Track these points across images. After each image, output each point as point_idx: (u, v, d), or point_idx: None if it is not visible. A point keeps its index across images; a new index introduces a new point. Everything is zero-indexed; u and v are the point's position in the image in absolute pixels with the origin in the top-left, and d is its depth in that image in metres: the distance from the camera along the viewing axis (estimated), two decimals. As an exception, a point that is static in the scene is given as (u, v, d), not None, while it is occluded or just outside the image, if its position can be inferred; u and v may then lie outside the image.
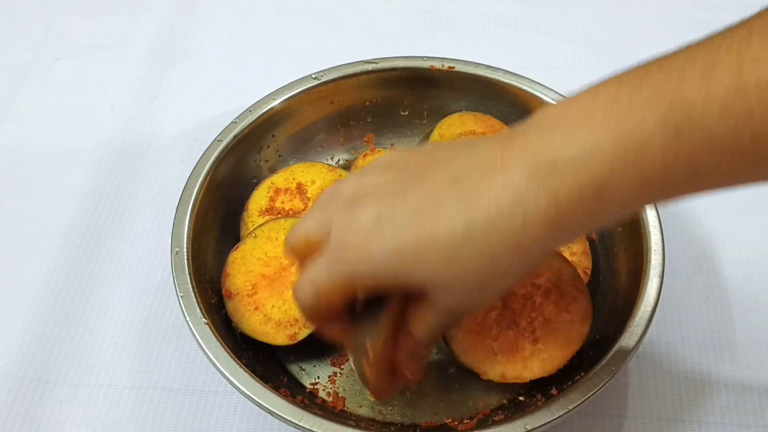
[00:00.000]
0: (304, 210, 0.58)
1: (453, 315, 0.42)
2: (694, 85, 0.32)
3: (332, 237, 0.40)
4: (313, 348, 0.55)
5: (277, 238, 0.55)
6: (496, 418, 0.49)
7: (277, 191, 0.59)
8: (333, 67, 0.62)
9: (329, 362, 0.55)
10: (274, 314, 0.53)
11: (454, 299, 0.39)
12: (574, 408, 0.45)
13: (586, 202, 0.34)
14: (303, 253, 0.42)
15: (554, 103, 0.54)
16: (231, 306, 0.53)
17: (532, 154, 0.35)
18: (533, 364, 0.50)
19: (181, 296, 0.50)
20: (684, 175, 0.33)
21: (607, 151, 0.33)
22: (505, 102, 0.61)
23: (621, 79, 0.35)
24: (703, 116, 0.31)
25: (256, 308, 0.53)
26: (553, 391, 0.49)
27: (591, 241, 0.57)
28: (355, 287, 0.40)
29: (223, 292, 0.54)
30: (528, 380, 0.50)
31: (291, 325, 0.53)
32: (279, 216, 0.58)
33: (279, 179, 0.60)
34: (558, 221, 0.35)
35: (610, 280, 0.56)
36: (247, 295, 0.54)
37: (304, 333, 0.53)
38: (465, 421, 0.51)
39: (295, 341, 0.53)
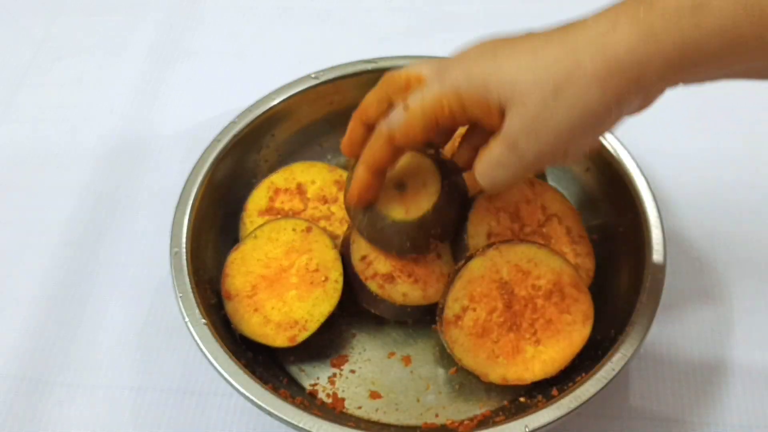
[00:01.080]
0: (303, 210, 0.58)
1: (518, 144, 0.41)
2: None
3: (438, 70, 0.44)
4: (313, 349, 0.55)
5: (277, 239, 0.55)
6: (497, 419, 0.49)
7: (277, 191, 0.59)
8: (332, 67, 0.62)
9: (329, 363, 0.55)
10: (274, 316, 0.53)
11: (528, 110, 0.40)
12: (575, 409, 0.45)
13: (681, 11, 0.36)
14: (394, 90, 0.46)
15: None
16: (230, 307, 0.53)
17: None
18: (534, 365, 0.50)
19: (180, 297, 0.50)
20: None
21: None
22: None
23: None
24: None
25: (256, 309, 0.53)
26: (554, 392, 0.49)
27: (593, 243, 0.56)
28: (443, 110, 0.43)
29: (222, 293, 0.54)
30: (529, 382, 0.50)
31: (291, 327, 0.53)
32: (279, 216, 0.58)
33: (278, 179, 0.59)
34: (651, 25, 0.37)
35: (611, 280, 0.55)
36: (247, 296, 0.53)
37: (303, 335, 0.53)
38: (465, 422, 0.51)
39: (295, 343, 0.52)
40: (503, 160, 0.42)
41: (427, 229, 0.51)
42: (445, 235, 0.53)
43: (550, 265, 0.51)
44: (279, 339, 0.52)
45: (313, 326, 0.53)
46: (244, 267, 0.54)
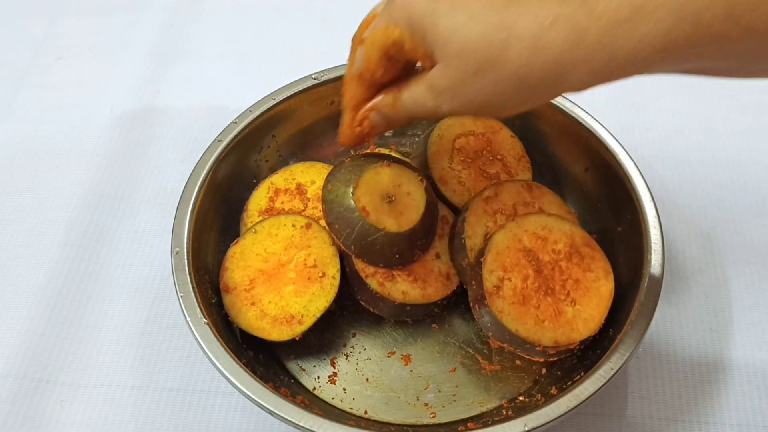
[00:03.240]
0: (303, 210, 0.58)
1: (438, 98, 0.42)
2: None
3: (387, 2, 0.44)
4: (314, 348, 0.56)
5: (276, 234, 0.55)
6: (497, 418, 0.50)
7: (277, 191, 0.59)
8: (333, 67, 0.62)
9: (329, 362, 0.55)
10: (271, 310, 0.53)
11: (450, 75, 0.40)
12: (574, 408, 0.45)
13: (618, 16, 0.35)
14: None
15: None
16: (228, 300, 0.53)
17: None
18: (578, 324, 0.51)
19: (182, 296, 0.50)
20: (721, 10, 0.34)
21: None
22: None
23: None
24: None
25: (253, 303, 0.53)
26: (553, 391, 0.49)
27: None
28: (389, 42, 0.44)
29: (220, 286, 0.54)
30: (578, 342, 0.50)
31: (287, 321, 0.53)
32: (279, 213, 0.58)
33: (279, 179, 0.60)
34: (585, 31, 0.36)
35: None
36: (245, 289, 0.54)
37: (299, 329, 0.53)
38: (465, 420, 0.51)
39: (290, 337, 0.53)
40: (423, 103, 0.44)
41: (415, 240, 0.53)
42: (427, 246, 0.54)
43: (562, 230, 0.53)
44: (275, 333, 0.53)
45: (309, 321, 0.53)
46: (243, 261, 0.55)
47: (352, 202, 0.51)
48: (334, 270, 0.54)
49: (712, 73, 0.39)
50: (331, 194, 0.52)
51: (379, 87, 0.48)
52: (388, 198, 0.52)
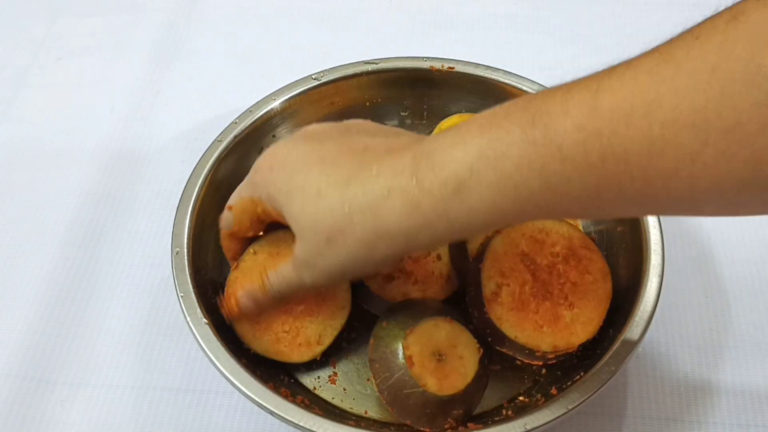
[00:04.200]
0: (304, 210, 0.58)
1: (299, 269, 0.46)
2: (556, 103, 0.36)
3: (252, 171, 0.48)
4: (314, 348, 0.55)
5: (278, 253, 0.52)
6: (497, 418, 0.50)
7: (278, 191, 0.59)
8: (333, 68, 0.62)
9: (329, 362, 0.55)
10: (286, 332, 0.52)
11: (305, 248, 0.44)
12: (573, 408, 0.46)
13: (445, 191, 0.38)
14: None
15: None
16: (240, 329, 0.52)
17: (420, 149, 0.40)
18: (577, 329, 0.50)
19: (182, 296, 0.50)
20: (537, 184, 0.36)
21: (473, 153, 0.38)
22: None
23: (511, 102, 0.39)
24: (557, 128, 0.35)
25: (267, 328, 0.52)
26: (553, 391, 0.49)
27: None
28: (257, 211, 0.48)
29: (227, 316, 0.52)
30: (577, 346, 0.50)
31: (306, 344, 0.52)
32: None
33: (279, 179, 0.59)
34: (418, 203, 0.39)
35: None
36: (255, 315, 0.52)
37: (319, 349, 0.52)
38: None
39: (311, 358, 0.52)
40: (288, 279, 0.47)
41: (451, 408, 0.48)
42: (465, 417, 0.49)
43: (559, 232, 0.52)
44: (295, 355, 0.52)
45: (327, 340, 0.52)
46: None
47: (400, 346, 0.48)
48: (345, 283, 0.53)
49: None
50: (383, 331, 0.50)
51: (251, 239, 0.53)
52: (439, 355, 0.48)
